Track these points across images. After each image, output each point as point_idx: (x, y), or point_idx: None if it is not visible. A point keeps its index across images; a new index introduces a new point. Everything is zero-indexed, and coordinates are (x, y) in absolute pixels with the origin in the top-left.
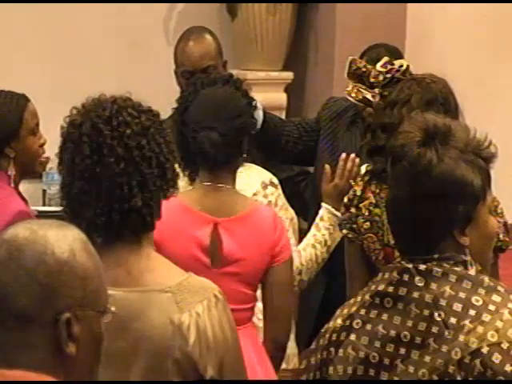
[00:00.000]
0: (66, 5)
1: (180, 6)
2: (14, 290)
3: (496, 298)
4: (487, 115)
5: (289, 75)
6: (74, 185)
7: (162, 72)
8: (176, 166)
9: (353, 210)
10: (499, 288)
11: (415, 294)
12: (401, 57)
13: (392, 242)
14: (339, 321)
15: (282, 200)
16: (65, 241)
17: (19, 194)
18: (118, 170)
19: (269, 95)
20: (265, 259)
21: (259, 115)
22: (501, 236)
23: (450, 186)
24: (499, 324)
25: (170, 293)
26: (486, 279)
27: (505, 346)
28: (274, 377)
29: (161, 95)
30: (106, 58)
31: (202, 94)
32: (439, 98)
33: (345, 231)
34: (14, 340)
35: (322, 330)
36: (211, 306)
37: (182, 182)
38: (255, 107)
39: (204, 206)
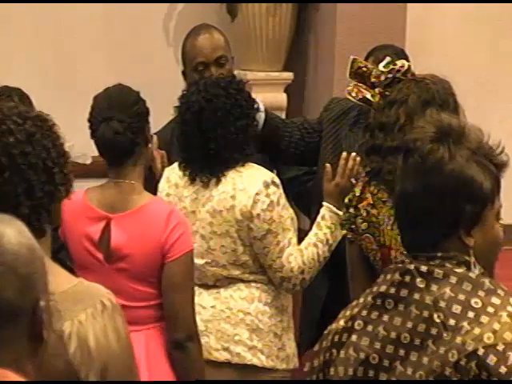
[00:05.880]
0: (66, 5)
1: (180, 5)
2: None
3: (495, 300)
4: (487, 115)
5: (289, 75)
6: None
7: (162, 72)
8: (66, 168)
9: (352, 210)
10: (499, 291)
11: (416, 296)
12: (406, 58)
13: (388, 242)
14: (341, 322)
15: (284, 199)
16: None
17: None
18: (1, 180)
19: (269, 95)
20: (154, 255)
21: (261, 117)
22: None
23: (460, 184)
24: (496, 326)
25: (53, 301)
26: (487, 281)
27: (500, 347)
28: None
29: (161, 95)
30: (106, 58)
31: (95, 97)
32: (437, 98)
33: (344, 231)
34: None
35: (325, 332)
36: (96, 313)
37: (182, 181)
38: (257, 109)
39: (101, 202)
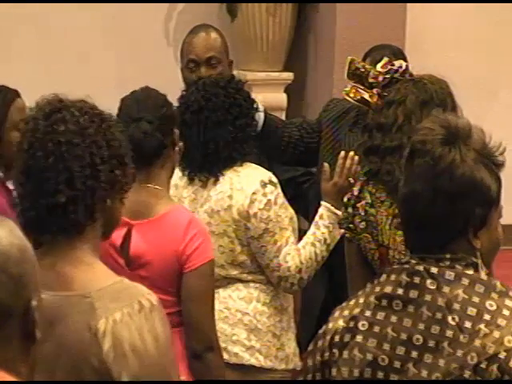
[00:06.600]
0: (67, 5)
1: (180, 6)
2: None
3: (509, 302)
4: (487, 115)
5: (289, 76)
6: (16, 178)
7: (162, 72)
8: (120, 171)
9: (350, 209)
10: (511, 293)
11: (427, 297)
12: (404, 59)
13: (386, 242)
14: (341, 322)
15: (282, 199)
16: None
17: (4, 186)
18: (46, 164)
19: (269, 96)
20: (172, 265)
21: (260, 117)
22: None
23: (470, 187)
24: None
25: (90, 298)
26: (498, 284)
27: None
28: None
29: None
30: (106, 58)
31: (123, 99)
32: (435, 98)
33: (343, 231)
34: None
35: (320, 332)
36: (132, 313)
37: (182, 182)
38: (256, 109)
39: (125, 207)
